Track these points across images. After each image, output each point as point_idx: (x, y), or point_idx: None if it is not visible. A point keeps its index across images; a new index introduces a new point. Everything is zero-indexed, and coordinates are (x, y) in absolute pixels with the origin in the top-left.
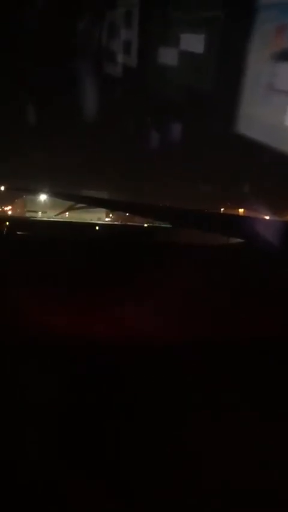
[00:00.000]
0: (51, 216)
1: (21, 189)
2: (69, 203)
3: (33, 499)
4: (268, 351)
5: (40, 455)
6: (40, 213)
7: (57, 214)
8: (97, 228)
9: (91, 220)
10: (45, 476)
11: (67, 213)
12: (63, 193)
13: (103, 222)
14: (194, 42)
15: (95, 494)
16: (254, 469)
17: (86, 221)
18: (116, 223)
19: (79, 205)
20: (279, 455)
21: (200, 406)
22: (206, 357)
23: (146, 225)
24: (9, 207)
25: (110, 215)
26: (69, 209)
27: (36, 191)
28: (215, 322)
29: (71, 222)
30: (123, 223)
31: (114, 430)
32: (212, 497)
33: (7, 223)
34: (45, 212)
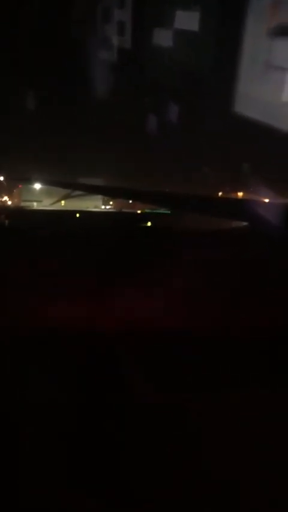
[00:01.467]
0: (47, 205)
1: (17, 179)
2: (65, 191)
3: (32, 499)
4: (273, 340)
5: (39, 452)
6: (35, 203)
7: (53, 203)
8: (94, 215)
9: (87, 208)
10: (45, 475)
11: (63, 202)
12: (59, 182)
13: (100, 210)
14: (191, 21)
15: (95, 494)
16: (255, 468)
17: (82, 209)
18: (113, 210)
19: (75, 193)
20: (281, 454)
21: (202, 399)
22: (209, 345)
23: (145, 211)
24: (6, 198)
25: (107, 202)
26: (65, 197)
27: (31, 180)
28: (218, 308)
29: (67, 210)
30: (121, 210)
31: (115, 425)
32: (212, 498)
33: (2, 214)
34: (41, 201)
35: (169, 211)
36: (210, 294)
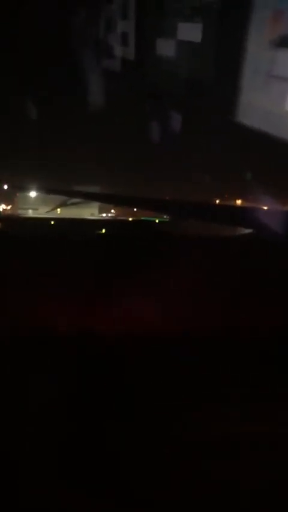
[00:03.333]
0: (42, 213)
1: (15, 187)
2: (61, 199)
3: (32, 500)
4: (274, 343)
5: (39, 453)
6: (31, 210)
7: (49, 211)
8: (92, 223)
9: (82, 216)
10: (44, 475)
11: (59, 210)
12: (56, 190)
13: (97, 218)
14: (192, 31)
15: (95, 494)
16: (255, 468)
17: (80, 217)
18: (110, 218)
19: (71, 201)
20: (281, 453)
21: (201, 400)
22: (209, 348)
23: (142, 218)
24: (3, 206)
25: (103, 210)
26: (61, 205)
27: (28, 188)
28: (219, 314)
29: (64, 218)
30: (117, 218)
31: (115, 427)
32: (212, 498)
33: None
34: (37, 209)
35: (167, 219)
36: (212, 299)
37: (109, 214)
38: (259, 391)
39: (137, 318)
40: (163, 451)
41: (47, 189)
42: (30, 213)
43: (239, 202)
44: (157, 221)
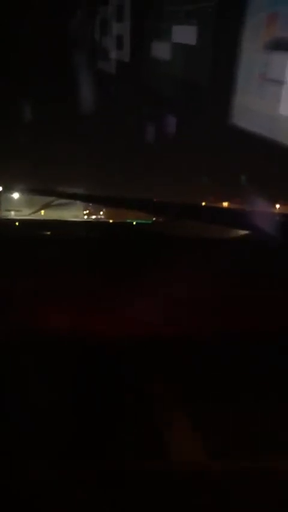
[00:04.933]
0: (26, 214)
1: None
2: (46, 200)
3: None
4: (273, 345)
5: (39, 455)
6: (13, 212)
7: (33, 213)
8: (77, 225)
9: (67, 218)
10: (45, 477)
11: (43, 211)
12: (40, 190)
13: (83, 220)
14: (187, 34)
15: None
16: (256, 469)
17: (63, 219)
18: (96, 220)
19: (56, 201)
20: (282, 453)
21: (204, 403)
22: (209, 351)
23: (127, 220)
24: None
25: (86, 212)
26: (45, 207)
27: (11, 189)
28: (218, 316)
29: (49, 220)
30: (104, 220)
31: (116, 428)
32: (213, 499)
33: None
34: (20, 211)
35: (150, 221)
36: (210, 301)
37: (95, 216)
38: (264, 391)
39: (125, 321)
40: (164, 449)
41: (30, 189)
42: (13, 214)
43: (233, 204)
44: (146, 223)
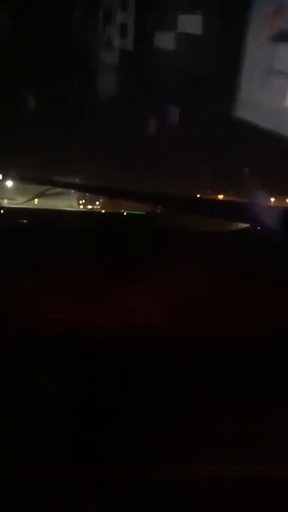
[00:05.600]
0: (20, 203)
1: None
2: (40, 189)
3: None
4: (273, 340)
5: (40, 450)
6: (6, 200)
7: (26, 201)
8: (71, 215)
9: (61, 207)
10: (46, 473)
11: (36, 200)
12: (34, 179)
13: (78, 210)
14: (192, 25)
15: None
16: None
17: (58, 208)
18: (92, 210)
19: (51, 191)
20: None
21: (202, 399)
22: (209, 346)
23: (122, 211)
24: None
25: (81, 202)
26: (39, 195)
27: (5, 177)
28: (217, 310)
29: (42, 209)
30: (96, 210)
31: (116, 423)
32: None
33: None
34: (14, 199)
35: (144, 213)
36: (209, 295)
37: (90, 206)
38: (263, 388)
39: (119, 314)
40: (164, 444)
41: (25, 178)
42: (6, 203)
43: (231, 197)
44: (140, 214)
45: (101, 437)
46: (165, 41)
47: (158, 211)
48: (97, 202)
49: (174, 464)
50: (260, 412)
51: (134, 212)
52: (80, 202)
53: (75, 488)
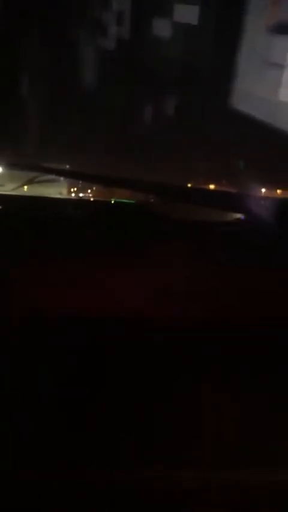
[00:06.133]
0: (8, 190)
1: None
2: (29, 176)
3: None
4: (270, 331)
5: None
6: None
7: (15, 188)
8: (63, 203)
9: (50, 194)
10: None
11: (25, 187)
12: (23, 165)
13: (68, 197)
14: (188, 14)
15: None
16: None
17: (49, 195)
18: (79, 198)
19: (40, 178)
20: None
21: (198, 388)
22: (204, 335)
23: (115, 200)
24: None
25: (72, 190)
26: (28, 182)
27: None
28: (212, 299)
29: (32, 196)
30: (87, 198)
31: (108, 412)
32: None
33: None
34: (3, 186)
35: (133, 201)
36: (203, 285)
37: (81, 194)
38: (257, 379)
39: (105, 304)
40: (158, 435)
41: (13, 164)
42: None
43: (229, 187)
44: (129, 203)
45: (99, 436)
46: (159, 29)
47: (151, 200)
48: (88, 190)
49: (175, 468)
50: (258, 413)
51: (123, 200)
52: (71, 190)
53: (75, 489)
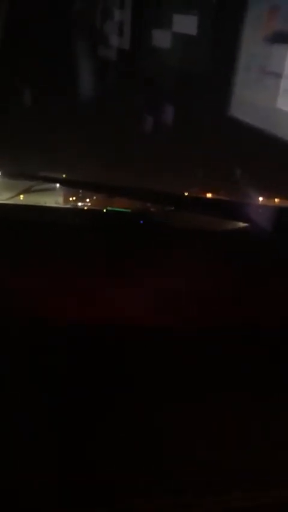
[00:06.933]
0: (4, 199)
1: None
2: (26, 184)
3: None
4: (269, 337)
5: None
6: None
7: (11, 198)
8: (59, 212)
9: (45, 203)
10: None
11: (21, 196)
12: (19, 174)
13: (65, 206)
14: (186, 24)
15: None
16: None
17: (45, 205)
18: (76, 207)
19: (36, 187)
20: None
21: (197, 394)
22: (204, 342)
23: (109, 208)
24: None
25: (70, 199)
26: (25, 192)
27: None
28: (212, 307)
29: (28, 205)
30: (84, 207)
31: (110, 418)
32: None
33: None
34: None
35: (129, 210)
36: (203, 293)
37: (80, 204)
38: (256, 384)
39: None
40: (159, 440)
41: (10, 173)
42: None
43: (228, 196)
44: (125, 212)
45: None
46: (159, 38)
47: (147, 208)
48: (86, 199)
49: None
50: (260, 431)
51: (119, 209)
52: (67, 198)
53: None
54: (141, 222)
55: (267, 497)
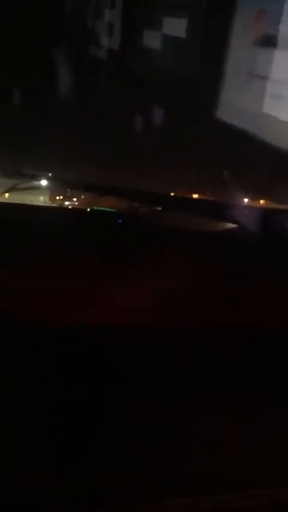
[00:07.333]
0: None
1: None
2: (11, 182)
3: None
4: (262, 337)
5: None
6: None
7: None
8: (44, 210)
9: (33, 202)
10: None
11: (7, 194)
12: (5, 172)
13: (50, 205)
14: (175, 27)
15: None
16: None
17: (30, 203)
18: (61, 206)
19: (22, 185)
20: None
21: (195, 394)
22: (198, 342)
23: (95, 208)
24: None
25: (56, 198)
26: (10, 190)
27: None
28: (205, 308)
29: (14, 203)
30: (69, 206)
31: (110, 418)
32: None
33: None
34: None
35: (114, 210)
36: (196, 293)
37: (66, 202)
38: (252, 383)
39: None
40: (159, 441)
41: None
42: None
43: (216, 197)
44: (110, 212)
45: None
46: (147, 42)
47: (133, 208)
48: (73, 198)
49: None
50: (257, 431)
51: (103, 209)
52: (53, 197)
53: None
54: (120, 221)
55: (267, 497)
